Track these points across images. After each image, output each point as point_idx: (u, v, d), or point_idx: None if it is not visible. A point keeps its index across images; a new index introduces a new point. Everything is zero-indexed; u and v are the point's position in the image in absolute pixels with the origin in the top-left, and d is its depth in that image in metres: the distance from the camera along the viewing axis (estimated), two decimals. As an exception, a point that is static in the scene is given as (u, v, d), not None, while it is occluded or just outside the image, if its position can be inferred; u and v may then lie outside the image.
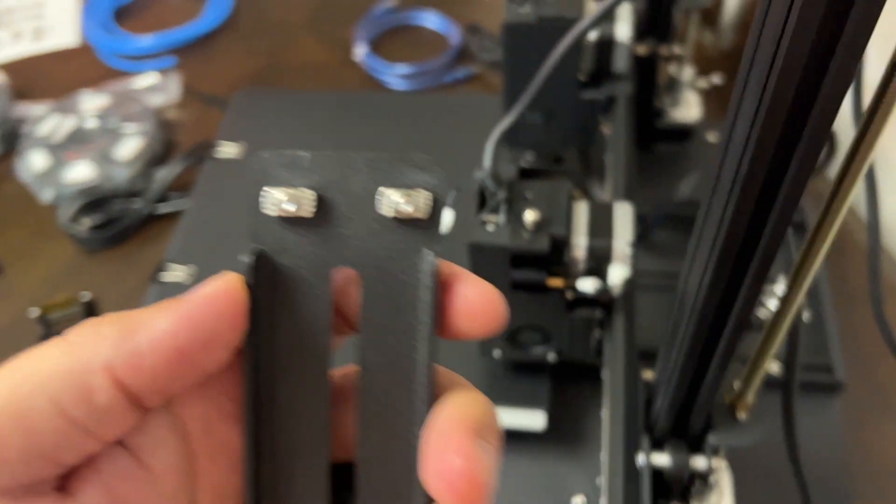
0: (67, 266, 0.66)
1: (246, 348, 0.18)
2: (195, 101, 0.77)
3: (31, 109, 0.75)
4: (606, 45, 0.43)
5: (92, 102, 0.73)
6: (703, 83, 0.64)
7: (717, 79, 0.65)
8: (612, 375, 0.34)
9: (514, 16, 0.41)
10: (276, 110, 0.62)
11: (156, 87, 0.77)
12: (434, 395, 0.18)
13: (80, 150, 0.69)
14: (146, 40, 0.83)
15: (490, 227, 0.33)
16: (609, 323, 0.36)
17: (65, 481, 0.17)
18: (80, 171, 0.68)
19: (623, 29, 0.43)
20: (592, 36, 0.43)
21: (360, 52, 0.79)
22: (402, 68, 0.77)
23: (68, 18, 0.88)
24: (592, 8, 0.45)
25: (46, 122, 0.72)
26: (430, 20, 0.83)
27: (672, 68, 0.55)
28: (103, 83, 0.78)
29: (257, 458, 0.19)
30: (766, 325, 0.29)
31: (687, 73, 0.56)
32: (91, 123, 0.71)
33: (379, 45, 0.81)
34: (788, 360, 0.31)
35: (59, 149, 0.70)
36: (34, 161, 0.69)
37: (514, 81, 0.46)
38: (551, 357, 0.40)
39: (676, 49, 0.51)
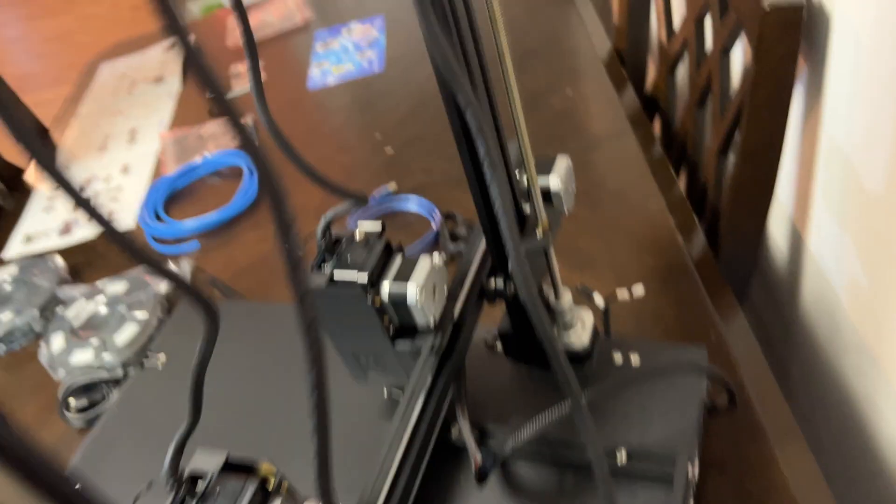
0: (59, 443, 0.75)
1: None
2: (202, 286, 0.86)
3: (71, 292, 0.87)
4: (401, 304, 0.43)
5: (113, 288, 0.84)
6: (624, 294, 0.61)
7: (639, 290, 0.61)
8: None
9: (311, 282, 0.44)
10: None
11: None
12: None
13: (89, 334, 0.79)
14: (179, 226, 0.94)
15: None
16: None
17: None
18: (84, 355, 0.77)
19: (412, 290, 0.43)
20: (385, 294, 0.44)
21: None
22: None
23: (135, 202, 1.03)
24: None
25: (75, 306, 0.83)
26: (416, 204, 0.86)
27: (550, 297, 0.53)
28: (135, 267, 0.89)
29: None
30: None
31: (565, 300, 0.53)
32: (104, 309, 0.81)
33: (369, 230, 0.86)
34: None
35: (74, 332, 0.80)
36: (54, 343, 0.80)
37: (333, 337, 0.47)
38: None
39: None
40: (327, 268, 0.45)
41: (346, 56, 1.16)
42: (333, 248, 0.46)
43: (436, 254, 0.46)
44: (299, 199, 0.95)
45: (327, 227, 0.45)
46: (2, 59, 3.86)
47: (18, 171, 1.24)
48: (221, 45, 1.34)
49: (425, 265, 0.44)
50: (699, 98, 0.82)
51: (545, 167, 0.55)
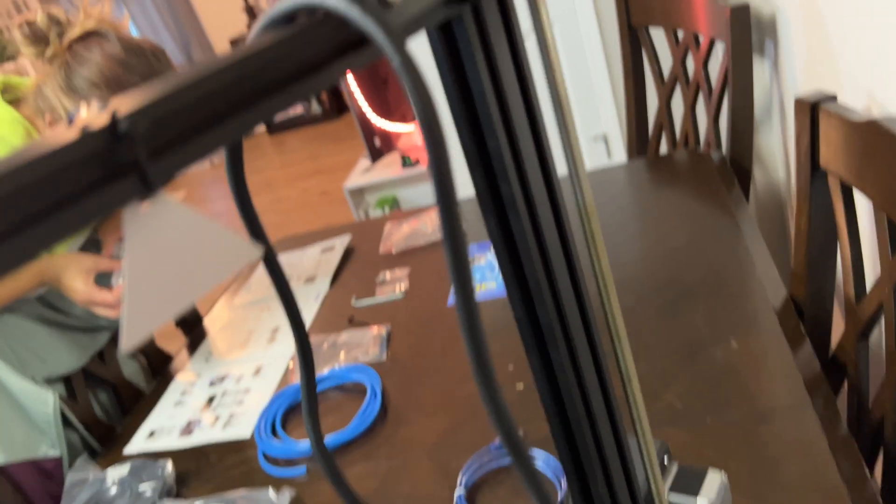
0: None
1: None
2: (297, 522, 0.78)
3: (170, 508, 0.83)
4: None
5: (208, 512, 0.79)
6: None
7: None
8: None
9: None
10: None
11: (268, 502, 0.80)
12: None
13: (170, 565, 0.73)
14: (293, 446, 0.89)
15: None
16: None
17: None
18: (159, 591, 0.71)
19: None
20: None
21: (458, 493, 0.74)
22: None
23: (258, 409, 1.00)
24: None
25: (167, 526, 0.78)
26: (542, 462, 0.75)
27: None
28: (238, 488, 0.84)
29: None
30: None
31: None
32: (192, 538, 0.76)
33: (483, 484, 0.75)
34: None
35: (158, 559, 0.74)
36: (135, 569, 0.74)
37: None
38: None
39: None
40: None
41: (490, 274, 1.12)
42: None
43: None
44: (414, 430, 0.87)
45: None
46: (205, 229, 4.33)
47: (166, 359, 1.28)
48: (374, 248, 1.36)
49: None
50: (901, 378, 0.66)
51: (692, 484, 0.44)
